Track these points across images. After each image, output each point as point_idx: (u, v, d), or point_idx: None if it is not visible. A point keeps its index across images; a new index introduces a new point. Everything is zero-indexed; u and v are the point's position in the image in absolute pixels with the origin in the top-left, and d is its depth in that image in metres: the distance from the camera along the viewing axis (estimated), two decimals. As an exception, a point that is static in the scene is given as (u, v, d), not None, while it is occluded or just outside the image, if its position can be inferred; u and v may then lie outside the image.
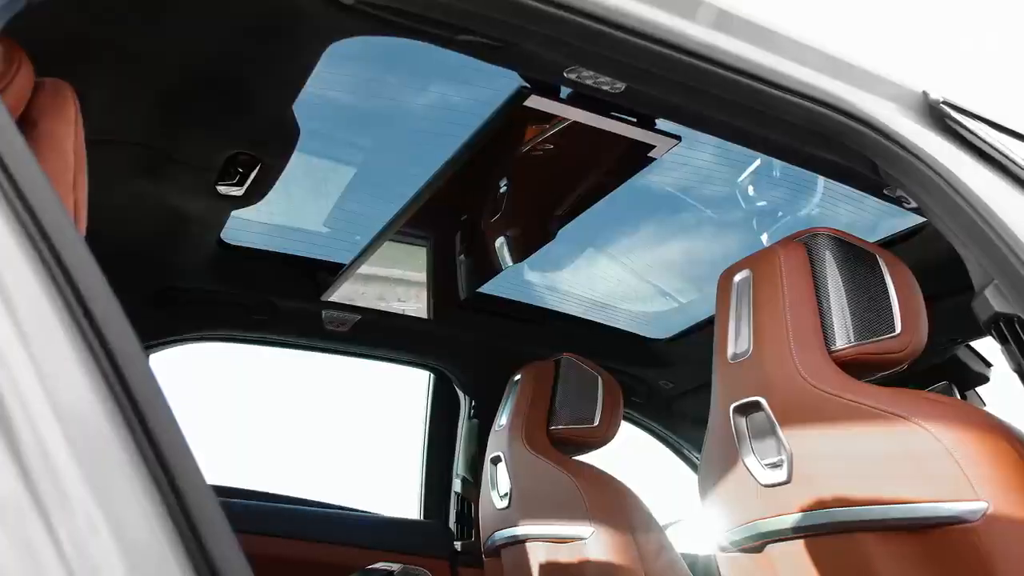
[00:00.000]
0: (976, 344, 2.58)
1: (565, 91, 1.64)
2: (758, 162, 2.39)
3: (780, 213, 2.57)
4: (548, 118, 1.72)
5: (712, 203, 2.68)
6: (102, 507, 0.45)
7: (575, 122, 1.70)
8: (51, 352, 0.49)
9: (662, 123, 1.76)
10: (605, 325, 3.01)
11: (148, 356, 2.53)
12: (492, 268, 2.48)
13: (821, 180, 2.41)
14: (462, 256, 2.46)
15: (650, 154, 1.80)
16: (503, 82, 1.96)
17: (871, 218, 2.33)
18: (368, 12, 1.20)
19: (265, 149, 1.83)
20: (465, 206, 2.24)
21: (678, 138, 1.76)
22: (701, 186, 2.61)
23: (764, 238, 2.56)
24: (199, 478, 0.51)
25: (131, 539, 0.46)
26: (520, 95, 1.62)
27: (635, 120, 1.69)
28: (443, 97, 2.29)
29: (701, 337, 2.78)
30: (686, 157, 2.38)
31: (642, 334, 3.03)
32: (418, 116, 2.37)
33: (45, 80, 0.93)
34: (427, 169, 2.52)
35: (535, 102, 1.62)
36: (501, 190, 2.13)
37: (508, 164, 2.03)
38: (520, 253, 2.40)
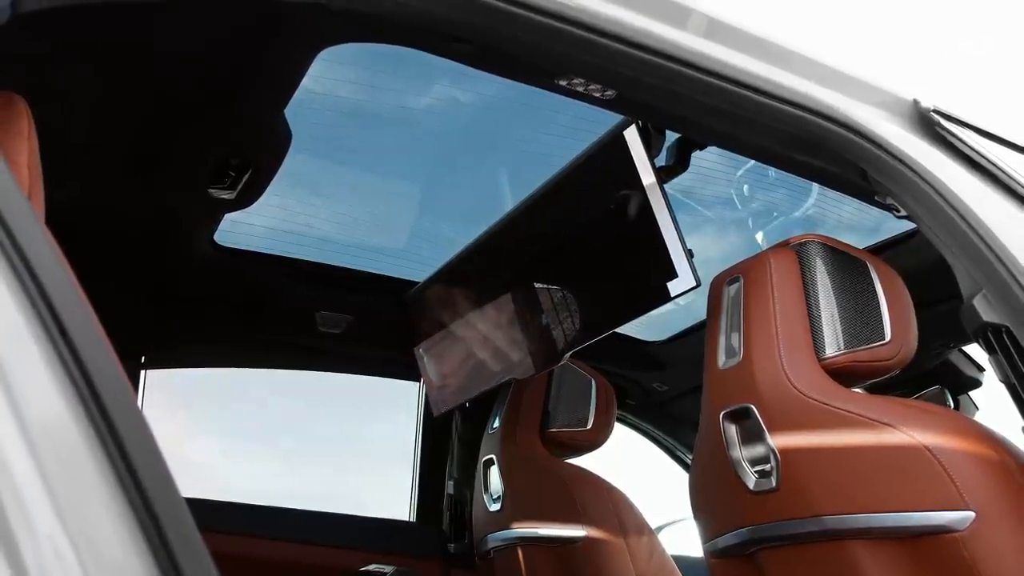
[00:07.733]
0: (969, 348, 2.57)
1: (661, 161, 1.71)
2: (753, 162, 2.39)
3: (776, 214, 2.57)
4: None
5: (710, 204, 2.67)
6: (68, 528, 0.45)
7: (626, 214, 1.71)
8: (20, 361, 0.48)
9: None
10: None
11: (142, 359, 2.53)
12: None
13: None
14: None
15: (669, 284, 1.67)
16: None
17: (873, 222, 2.32)
18: (356, 19, 1.19)
19: (256, 153, 1.82)
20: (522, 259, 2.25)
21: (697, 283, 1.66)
22: (701, 187, 2.60)
23: (759, 237, 2.55)
24: (172, 490, 0.50)
25: (100, 558, 0.45)
26: (625, 123, 1.69)
27: (686, 247, 1.65)
28: (449, 96, 2.29)
29: (695, 340, 2.77)
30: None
31: (637, 336, 3.03)
32: (422, 118, 2.37)
33: None
34: (426, 170, 2.51)
35: (631, 139, 1.68)
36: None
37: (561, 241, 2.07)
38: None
